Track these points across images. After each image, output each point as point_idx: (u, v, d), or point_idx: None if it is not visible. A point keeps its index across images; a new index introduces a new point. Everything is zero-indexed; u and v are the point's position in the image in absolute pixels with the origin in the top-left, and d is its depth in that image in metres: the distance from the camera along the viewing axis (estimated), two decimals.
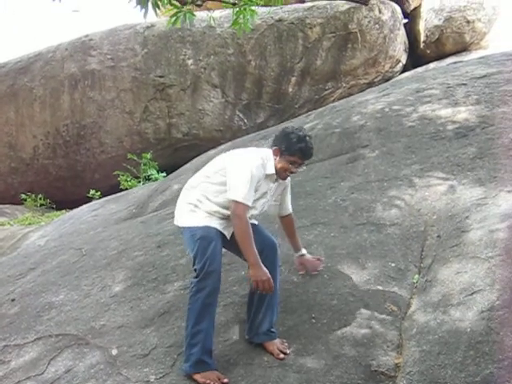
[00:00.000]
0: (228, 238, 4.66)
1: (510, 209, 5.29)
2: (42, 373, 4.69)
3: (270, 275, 4.41)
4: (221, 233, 4.57)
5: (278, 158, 4.71)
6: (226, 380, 4.28)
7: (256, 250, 4.43)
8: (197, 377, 4.29)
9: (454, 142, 7.02)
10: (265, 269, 4.42)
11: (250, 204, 4.49)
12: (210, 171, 4.70)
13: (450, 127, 7.39)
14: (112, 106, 16.10)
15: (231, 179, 4.50)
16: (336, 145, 7.90)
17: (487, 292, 4.46)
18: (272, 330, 4.62)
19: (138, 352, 4.75)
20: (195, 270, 4.45)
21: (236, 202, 4.42)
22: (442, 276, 4.93)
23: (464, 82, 8.68)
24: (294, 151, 4.66)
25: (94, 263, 6.52)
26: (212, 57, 15.96)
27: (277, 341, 4.59)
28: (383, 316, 4.77)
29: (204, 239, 4.46)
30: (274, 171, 4.70)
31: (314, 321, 4.77)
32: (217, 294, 4.47)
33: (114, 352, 4.82)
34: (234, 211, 4.42)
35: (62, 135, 16.36)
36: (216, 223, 4.57)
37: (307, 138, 4.73)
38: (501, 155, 6.39)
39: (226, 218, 4.60)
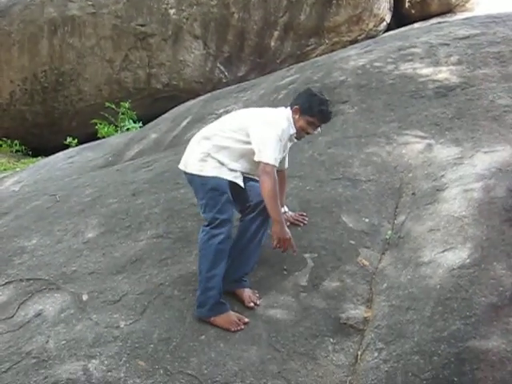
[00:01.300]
0: (242, 185, 4.67)
1: (485, 169, 5.31)
2: (12, 316, 4.66)
3: (290, 235, 4.52)
4: (231, 183, 4.58)
5: (297, 117, 4.73)
6: (246, 320, 4.39)
7: (281, 209, 4.56)
8: (218, 320, 4.36)
9: (434, 102, 7.00)
10: (287, 228, 4.52)
11: (277, 164, 4.52)
12: (229, 127, 4.67)
13: (430, 86, 7.36)
14: (91, 54, 15.82)
15: (261, 141, 4.50)
16: None
17: (458, 250, 4.50)
18: (244, 278, 4.65)
19: (108, 298, 4.74)
20: (206, 217, 4.51)
21: (266, 164, 4.43)
22: (414, 233, 4.96)
23: (447, 42, 8.63)
24: (315, 113, 4.72)
25: (68, 209, 6.46)
26: (195, 7, 15.70)
27: (248, 290, 4.61)
28: (354, 270, 4.80)
29: (215, 190, 4.49)
30: (295, 131, 4.73)
31: (285, 273, 4.80)
32: (229, 241, 4.52)
33: (85, 297, 4.80)
34: (264, 170, 4.43)
35: (39, 81, 16.07)
36: (226, 174, 4.57)
37: (328, 102, 4.83)
38: (479, 116, 6.39)
39: (236, 171, 4.62)
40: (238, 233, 4.70)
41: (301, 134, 4.80)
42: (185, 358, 4.15)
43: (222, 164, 4.56)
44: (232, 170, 4.59)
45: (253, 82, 10.69)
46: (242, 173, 4.67)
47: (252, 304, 4.52)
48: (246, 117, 4.77)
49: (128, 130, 14.13)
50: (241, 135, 4.60)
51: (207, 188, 4.50)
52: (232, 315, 4.38)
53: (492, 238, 4.47)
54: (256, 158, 4.50)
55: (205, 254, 4.44)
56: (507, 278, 4.07)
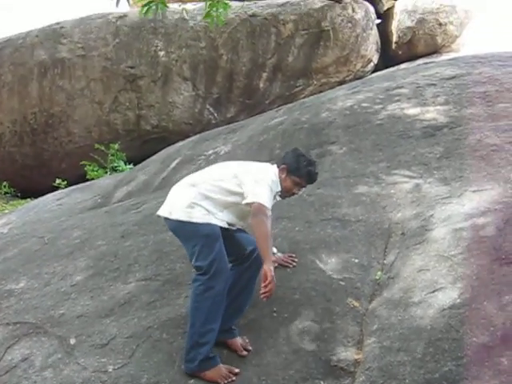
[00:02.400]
0: (231, 228, 4.66)
1: (473, 208, 5.32)
2: None
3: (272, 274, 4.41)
4: (222, 230, 4.54)
5: (283, 177, 4.74)
6: (237, 370, 4.29)
7: (270, 246, 4.48)
8: (208, 374, 4.24)
9: (422, 141, 7.05)
10: (272, 268, 4.39)
11: (270, 208, 4.46)
12: (216, 176, 4.64)
13: (417, 126, 7.42)
14: (81, 96, 15.91)
15: (255, 184, 4.46)
16: (304, 140, 7.88)
17: (449, 290, 4.49)
18: (233, 328, 4.59)
19: (96, 342, 4.70)
20: (198, 266, 4.40)
21: (262, 204, 4.37)
22: (404, 273, 4.95)
23: (433, 83, 8.72)
24: (303, 174, 4.75)
25: (56, 252, 6.43)
26: (184, 49, 15.86)
27: (239, 338, 4.55)
28: (345, 311, 4.77)
29: (210, 236, 4.42)
30: (279, 189, 4.72)
31: (275, 314, 4.76)
32: (226, 293, 4.42)
33: (73, 341, 4.76)
34: (261, 210, 4.35)
35: (29, 123, 16.13)
36: (216, 221, 4.52)
37: (315, 163, 4.88)
38: (467, 156, 6.42)
39: (223, 220, 4.58)
40: (231, 281, 4.56)
41: (285, 194, 4.80)
42: None
43: (209, 212, 4.51)
44: (219, 219, 4.55)
45: (241, 123, 10.74)
46: (228, 223, 4.62)
47: (245, 352, 4.47)
48: (235, 166, 4.77)
49: (118, 171, 14.14)
50: (228, 184, 4.56)
51: (200, 234, 4.41)
52: (222, 368, 4.27)
53: (482, 277, 4.47)
54: (250, 200, 4.40)
55: (199, 306, 4.32)
56: (498, 318, 4.06)
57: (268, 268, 4.28)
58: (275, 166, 4.84)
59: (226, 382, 4.21)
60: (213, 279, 4.31)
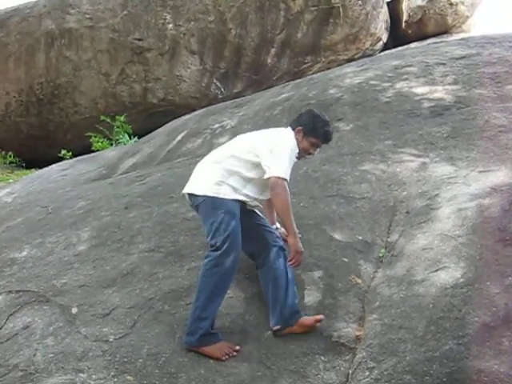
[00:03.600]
0: (253, 208, 4.77)
1: (479, 189, 5.30)
2: (0, 328, 4.62)
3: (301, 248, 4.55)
4: (242, 205, 4.61)
5: (300, 138, 4.78)
6: (237, 347, 4.28)
7: (293, 220, 4.57)
8: (207, 350, 4.23)
9: (429, 120, 7.01)
10: (299, 243, 4.56)
11: (288, 178, 4.55)
12: (238, 150, 4.71)
13: (425, 105, 7.37)
14: (88, 67, 15.84)
15: (273, 157, 4.53)
16: None
17: (452, 269, 4.48)
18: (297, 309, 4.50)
19: (98, 311, 4.71)
20: (213, 243, 4.40)
21: (278, 177, 4.45)
22: (408, 251, 4.94)
23: (443, 62, 8.65)
24: (320, 134, 4.80)
25: (60, 222, 6.43)
26: (192, 23, 15.76)
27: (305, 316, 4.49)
28: (347, 288, 4.77)
29: (228, 213, 4.46)
30: (298, 150, 4.75)
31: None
32: (235, 271, 4.45)
33: (74, 310, 4.77)
34: (277, 184, 4.46)
35: (35, 93, 16.09)
36: (241, 197, 4.60)
37: (330, 122, 4.94)
38: (474, 136, 6.39)
39: (249, 195, 4.65)
40: (275, 275, 4.56)
41: (303, 154, 4.84)
42: (174, 373, 4.11)
43: (235, 189, 4.57)
44: (243, 195, 4.61)
45: (248, 97, 10.69)
46: (253, 198, 4.68)
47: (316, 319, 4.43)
48: (254, 138, 4.80)
49: (122, 143, 14.10)
50: (250, 157, 4.62)
51: (221, 211, 4.45)
52: (223, 344, 4.27)
53: (486, 257, 4.45)
54: (268, 175, 4.49)
55: (207, 281, 4.34)
56: (500, 298, 4.04)
57: (293, 241, 4.48)
58: (289, 129, 4.86)
59: (225, 358, 4.21)
60: (224, 255, 4.32)
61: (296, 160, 4.82)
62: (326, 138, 4.86)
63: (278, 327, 4.37)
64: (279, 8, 15.98)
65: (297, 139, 4.76)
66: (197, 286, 4.42)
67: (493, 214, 4.87)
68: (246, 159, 4.62)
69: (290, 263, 4.53)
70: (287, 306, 4.40)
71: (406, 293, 4.49)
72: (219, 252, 4.33)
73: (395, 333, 4.17)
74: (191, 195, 4.70)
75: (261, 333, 4.43)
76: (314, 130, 4.77)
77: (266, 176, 4.51)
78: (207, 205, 4.55)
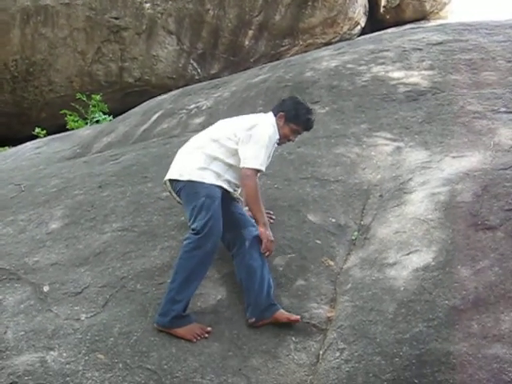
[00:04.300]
0: (232, 194, 4.76)
1: (452, 174, 5.34)
2: None
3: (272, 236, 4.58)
4: (224, 193, 4.61)
5: (281, 124, 4.80)
6: (209, 329, 4.26)
7: (263, 210, 4.62)
8: (179, 332, 4.20)
9: (405, 105, 7.03)
10: (268, 229, 4.59)
11: (263, 169, 4.63)
12: (219, 136, 4.72)
13: (401, 90, 7.39)
14: (64, 45, 15.65)
15: (249, 147, 4.57)
16: None
17: (423, 253, 4.52)
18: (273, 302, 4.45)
19: (70, 290, 4.69)
20: (194, 226, 4.38)
21: (249, 168, 4.52)
22: (380, 235, 4.97)
23: (420, 47, 8.67)
24: (301, 121, 4.84)
25: (33, 199, 6.37)
26: (170, 2, 15.62)
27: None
28: (319, 270, 4.79)
29: (210, 198, 4.46)
30: (278, 137, 4.78)
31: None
32: (214, 255, 4.44)
33: (46, 289, 4.74)
34: (247, 175, 4.54)
35: (10, 70, 15.85)
36: (223, 183, 4.61)
37: (312, 110, 4.95)
38: (449, 121, 6.42)
39: (231, 181, 4.69)
40: (250, 266, 4.51)
41: (283, 140, 4.87)
42: (145, 352, 4.11)
43: (218, 175, 4.59)
44: (225, 180, 4.64)
45: (225, 79, 10.66)
46: (234, 184, 4.73)
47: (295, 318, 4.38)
48: (235, 125, 4.79)
49: (98, 122, 13.99)
50: (230, 143, 4.64)
51: (203, 194, 4.45)
52: (194, 326, 4.24)
53: (457, 241, 4.50)
54: (242, 164, 4.55)
55: (185, 263, 4.31)
56: (471, 282, 4.09)
57: (263, 230, 4.50)
58: (271, 114, 4.87)
59: (195, 340, 4.19)
60: (204, 238, 4.31)
61: (276, 145, 4.86)
62: (307, 125, 4.90)
63: (253, 320, 4.34)
64: None
65: (278, 125, 4.78)
66: (174, 268, 4.40)
67: (465, 198, 4.91)
68: (227, 146, 4.64)
69: (265, 251, 4.54)
70: (263, 298, 4.37)
71: (377, 275, 4.52)
72: (199, 235, 4.32)
73: (366, 315, 4.21)
74: (173, 181, 4.70)
75: (232, 314, 4.44)
76: (296, 116, 4.79)
77: (240, 165, 4.55)
78: (189, 189, 4.55)
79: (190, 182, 4.54)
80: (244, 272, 4.51)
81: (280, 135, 4.77)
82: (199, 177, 4.53)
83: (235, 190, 4.82)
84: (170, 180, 4.73)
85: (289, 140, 4.91)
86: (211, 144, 4.66)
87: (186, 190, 4.58)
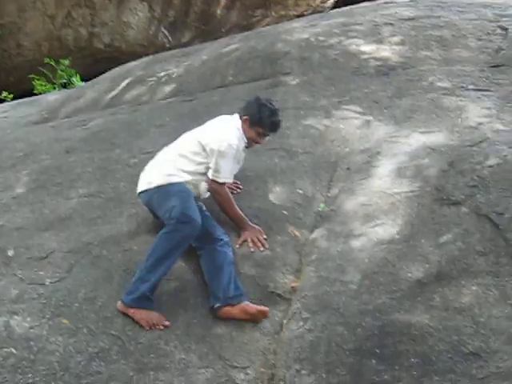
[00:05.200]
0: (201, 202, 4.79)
1: (419, 149, 5.38)
2: None
3: (259, 227, 4.74)
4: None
5: (246, 128, 4.82)
6: (167, 323, 4.15)
7: (240, 212, 4.77)
8: (136, 314, 4.11)
9: (375, 79, 7.03)
10: (252, 224, 4.74)
11: (231, 180, 4.79)
12: (186, 151, 4.74)
13: (372, 64, 7.39)
14: (33, 8, 15.35)
15: (215, 161, 4.61)
16: (258, 69, 7.80)
17: (388, 226, 4.58)
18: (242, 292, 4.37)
19: (34, 255, 4.70)
20: (171, 216, 4.33)
21: (216, 182, 4.63)
22: (347, 207, 5.00)
23: (391, 22, 8.66)
24: (265, 124, 4.82)
25: None
26: None
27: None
28: (285, 240, 4.83)
29: (182, 192, 4.50)
30: (245, 141, 4.82)
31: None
32: (190, 240, 4.40)
33: (11, 253, 4.74)
34: (215, 189, 4.67)
35: None
36: (190, 186, 4.65)
37: (278, 111, 4.90)
38: (418, 97, 6.45)
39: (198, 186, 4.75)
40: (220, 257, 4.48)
41: (250, 143, 4.89)
42: (109, 318, 4.14)
43: (187, 180, 4.62)
44: (193, 185, 4.69)
45: (196, 47, 10.56)
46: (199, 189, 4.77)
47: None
48: (200, 138, 4.76)
49: (68, 86, 13.83)
50: (200, 158, 4.69)
51: (174, 191, 4.49)
52: (153, 314, 4.14)
53: (422, 216, 4.55)
54: (210, 176, 4.64)
55: (160, 244, 4.27)
56: (434, 256, 4.16)
57: (248, 229, 4.74)
58: (237, 116, 4.90)
59: (148, 328, 4.10)
60: (181, 224, 4.28)
61: (245, 149, 4.91)
62: (272, 128, 4.89)
63: (218, 304, 4.24)
64: None
65: (243, 128, 4.81)
66: (149, 249, 4.33)
67: (431, 173, 4.96)
68: (195, 160, 4.68)
69: (260, 247, 4.68)
70: (231, 287, 4.30)
71: (342, 247, 4.56)
72: (177, 222, 4.28)
73: (330, 285, 4.25)
74: (143, 193, 4.71)
75: (199, 283, 4.46)
76: (259, 120, 4.78)
77: (209, 176, 4.64)
78: (160, 193, 4.56)
79: (160, 187, 4.56)
80: (212, 263, 4.45)
81: (246, 138, 4.81)
82: (167, 180, 4.57)
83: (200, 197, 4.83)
84: (140, 193, 4.75)
85: (256, 143, 4.93)
86: (179, 159, 4.70)
87: (156, 195, 4.59)
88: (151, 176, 4.69)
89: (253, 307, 4.23)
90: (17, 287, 4.34)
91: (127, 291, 4.20)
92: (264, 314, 4.23)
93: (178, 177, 4.59)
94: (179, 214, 4.29)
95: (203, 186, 4.73)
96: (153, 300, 4.19)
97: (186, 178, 4.61)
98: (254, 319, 4.22)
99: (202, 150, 4.68)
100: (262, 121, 4.78)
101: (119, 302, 4.19)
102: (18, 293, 4.29)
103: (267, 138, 5.06)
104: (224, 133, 4.73)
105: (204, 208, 4.78)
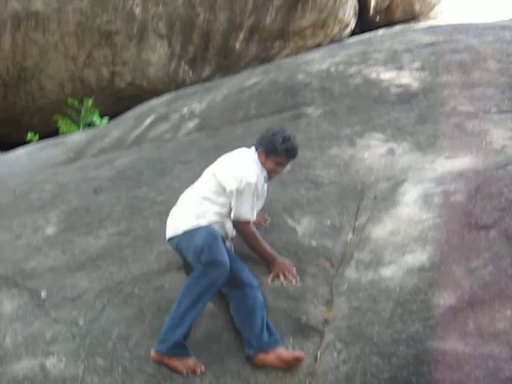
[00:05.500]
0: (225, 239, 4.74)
1: (445, 174, 5.38)
2: None
3: (288, 261, 4.81)
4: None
5: (263, 159, 4.78)
6: (203, 368, 4.09)
7: (269, 247, 4.79)
8: (174, 362, 4.07)
9: (397, 106, 7.07)
10: (282, 258, 4.80)
11: (254, 217, 4.73)
12: (208, 192, 4.72)
13: (393, 91, 7.43)
14: (55, 50, 15.63)
15: (237, 201, 4.60)
16: (280, 101, 7.87)
17: (418, 253, 4.55)
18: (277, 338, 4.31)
19: (67, 295, 4.72)
20: (201, 261, 4.29)
21: (240, 222, 4.65)
22: (375, 235, 5.00)
23: (410, 49, 8.73)
24: (281, 151, 4.74)
25: (28, 205, 6.39)
26: (161, 6, 15.61)
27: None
28: (315, 271, 4.81)
29: (210, 234, 4.47)
30: (266, 173, 4.80)
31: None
32: (219, 285, 4.34)
33: (44, 294, 4.77)
34: (241, 228, 4.70)
35: (1, 76, 15.83)
36: (218, 227, 4.65)
37: (291, 138, 4.81)
38: (441, 122, 6.47)
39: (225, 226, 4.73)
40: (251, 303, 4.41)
41: (271, 174, 4.85)
42: (144, 356, 4.14)
43: (214, 221, 4.62)
44: (221, 227, 4.68)
45: (217, 82, 10.69)
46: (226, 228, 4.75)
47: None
48: (220, 175, 4.74)
49: (94, 125, 14.01)
50: (223, 198, 4.67)
51: (202, 234, 4.45)
52: (190, 361, 4.10)
53: (451, 241, 4.53)
54: (233, 217, 4.64)
55: (190, 290, 4.23)
56: (465, 282, 4.12)
57: (278, 263, 4.76)
58: (253, 150, 4.88)
59: (186, 373, 4.06)
60: (209, 268, 4.24)
61: (268, 182, 4.92)
62: (288, 154, 4.79)
63: (251, 352, 4.18)
64: None
65: (261, 160, 4.78)
66: (179, 294, 4.29)
67: (458, 199, 4.95)
68: (218, 202, 4.66)
69: (292, 280, 4.68)
70: (264, 333, 4.23)
71: (373, 276, 4.55)
72: (205, 266, 4.26)
73: (363, 315, 4.23)
74: (172, 239, 4.72)
75: (229, 320, 4.46)
76: (274, 148, 4.72)
77: (232, 217, 4.65)
78: (188, 238, 4.55)
79: (187, 232, 4.56)
80: (243, 314, 4.37)
81: (266, 170, 4.79)
82: (194, 224, 4.56)
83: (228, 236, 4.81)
84: (169, 240, 4.76)
85: (276, 173, 4.88)
86: (203, 201, 4.68)
87: (184, 240, 4.58)
88: (177, 221, 4.70)
89: (288, 354, 4.14)
90: (51, 328, 4.37)
91: (160, 339, 4.15)
92: (299, 361, 4.12)
93: (204, 219, 4.58)
94: (207, 258, 4.26)
95: (229, 225, 4.71)
96: (187, 347, 4.15)
97: (212, 219, 4.60)
98: (289, 366, 4.11)
99: (223, 190, 4.66)
100: (276, 149, 4.71)
101: (153, 352, 4.13)
102: (53, 334, 4.31)
103: (288, 167, 5.04)
104: (241, 169, 4.69)
105: (232, 249, 4.79)
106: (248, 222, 4.67)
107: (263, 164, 4.77)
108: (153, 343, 4.18)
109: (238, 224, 4.67)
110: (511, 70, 7.44)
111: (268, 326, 4.29)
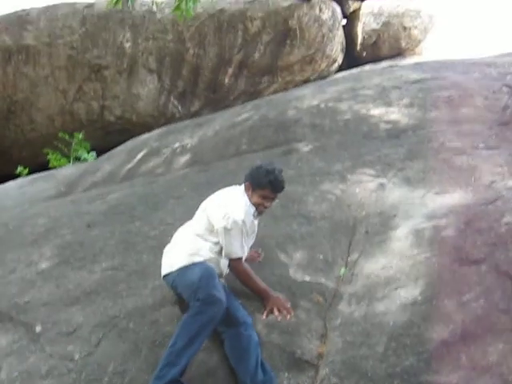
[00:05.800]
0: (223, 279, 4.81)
1: (436, 209, 5.45)
2: None
3: (282, 296, 4.81)
4: None
5: (250, 194, 4.83)
6: None
7: (262, 283, 4.80)
8: None
9: (386, 142, 7.16)
10: (275, 293, 4.79)
11: (245, 254, 4.78)
12: (200, 230, 4.77)
13: (382, 127, 7.53)
14: (45, 84, 15.77)
15: (226, 240, 4.64)
16: (271, 137, 7.96)
17: (410, 287, 4.59)
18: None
19: (62, 330, 4.72)
20: (196, 298, 4.29)
21: (231, 259, 4.69)
22: (367, 270, 5.05)
23: (399, 85, 8.85)
24: (265, 185, 4.77)
25: (21, 240, 6.41)
26: (151, 41, 15.82)
27: None
28: (309, 306, 4.83)
29: (206, 271, 4.48)
30: (254, 208, 4.82)
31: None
32: (216, 322, 4.32)
33: (38, 329, 4.77)
34: (233, 266, 4.74)
35: None
36: (212, 264, 4.66)
37: (276, 171, 4.82)
38: (430, 158, 6.55)
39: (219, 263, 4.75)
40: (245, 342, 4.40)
41: (259, 209, 4.86)
42: None
43: (208, 259, 4.66)
44: (214, 263, 4.69)
45: (208, 117, 10.76)
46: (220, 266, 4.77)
47: None
48: (210, 214, 4.77)
49: (81, 160, 14.05)
50: (213, 236, 4.72)
51: (197, 271, 4.47)
52: None
53: (443, 276, 4.58)
54: (224, 256, 4.69)
55: (186, 327, 4.22)
56: (457, 315, 4.17)
57: (271, 299, 4.74)
58: (242, 186, 4.92)
59: None
60: (206, 305, 4.24)
61: (258, 218, 4.94)
62: (273, 187, 4.80)
63: None
64: (237, 29, 16.15)
65: (248, 195, 4.82)
66: (175, 332, 4.28)
67: (449, 234, 5.02)
68: (212, 240, 4.71)
69: (286, 315, 4.69)
70: (258, 372, 4.22)
71: (366, 310, 4.59)
72: (202, 302, 4.26)
73: (357, 349, 4.26)
74: (167, 276, 4.75)
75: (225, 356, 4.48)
76: (259, 183, 4.76)
77: (223, 256, 4.70)
78: (183, 274, 4.57)
79: (182, 268, 4.59)
80: (237, 353, 4.36)
81: (253, 205, 4.80)
82: (189, 261, 4.60)
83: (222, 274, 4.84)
84: (164, 277, 4.79)
85: (264, 207, 4.87)
86: (197, 238, 4.74)
87: (179, 277, 4.60)
88: (172, 258, 4.73)
89: None
90: (46, 363, 4.37)
91: (156, 375, 4.11)
92: None
93: (199, 256, 4.62)
94: (204, 295, 4.27)
95: (223, 262, 4.74)
96: (183, 383, 4.12)
97: (207, 256, 4.64)
98: None
99: (213, 228, 4.70)
100: (260, 182, 4.75)
101: None
102: (48, 369, 4.31)
103: (274, 201, 5.03)
104: (228, 207, 4.70)
105: (227, 287, 4.79)
106: (239, 259, 4.71)
107: (250, 198, 4.80)
108: (149, 378, 4.17)
109: (230, 261, 4.71)
110: (498, 106, 7.56)
111: (262, 365, 4.28)
